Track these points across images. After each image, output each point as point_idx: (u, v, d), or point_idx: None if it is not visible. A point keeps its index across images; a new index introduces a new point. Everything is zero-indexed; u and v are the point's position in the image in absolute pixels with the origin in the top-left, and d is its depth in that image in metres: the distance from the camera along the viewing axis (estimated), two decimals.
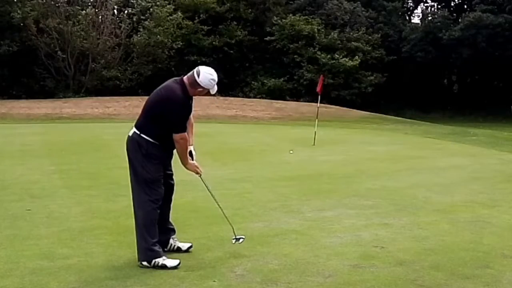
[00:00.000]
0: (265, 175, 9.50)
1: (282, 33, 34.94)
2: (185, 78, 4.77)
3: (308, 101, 29.94)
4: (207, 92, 4.83)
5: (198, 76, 4.67)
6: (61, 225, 5.96)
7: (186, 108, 4.77)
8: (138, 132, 4.73)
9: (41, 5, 30.22)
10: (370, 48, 35.55)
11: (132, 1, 33.46)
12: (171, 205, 5.07)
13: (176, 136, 4.68)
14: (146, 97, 5.00)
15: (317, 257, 4.92)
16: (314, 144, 14.03)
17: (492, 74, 40.41)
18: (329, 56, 34.14)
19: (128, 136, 4.82)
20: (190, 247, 5.07)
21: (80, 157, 11.38)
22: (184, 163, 4.84)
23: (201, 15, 34.05)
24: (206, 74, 4.70)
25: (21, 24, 30.00)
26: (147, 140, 4.69)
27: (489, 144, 15.51)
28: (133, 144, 4.76)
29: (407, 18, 44.89)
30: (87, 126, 19.10)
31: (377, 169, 10.26)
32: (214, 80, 4.74)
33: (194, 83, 4.70)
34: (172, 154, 4.93)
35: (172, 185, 5.02)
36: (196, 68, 4.78)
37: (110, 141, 14.13)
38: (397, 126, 22.84)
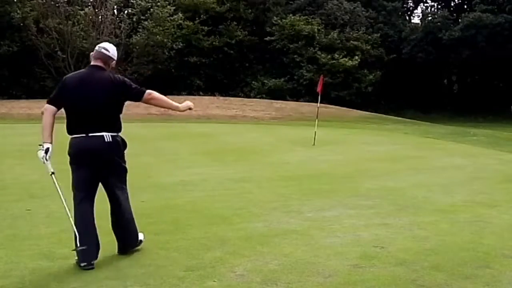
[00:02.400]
0: (265, 175, 9.49)
1: (282, 33, 34.96)
2: (96, 63, 4.85)
3: (308, 101, 29.95)
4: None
5: (108, 51, 4.85)
6: (61, 225, 5.94)
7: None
8: (115, 134, 4.81)
9: (41, 5, 30.23)
10: (369, 48, 35.56)
11: (132, 1, 33.46)
12: None
13: (146, 95, 4.86)
14: None
15: (317, 257, 4.91)
16: (314, 144, 14.03)
17: (492, 74, 40.44)
18: (329, 56, 34.15)
19: (106, 142, 4.73)
20: None
21: None
22: (175, 106, 5.04)
23: (201, 16, 34.04)
24: (111, 46, 4.94)
25: (21, 24, 30.01)
26: (121, 136, 4.87)
27: (489, 144, 15.50)
28: (113, 147, 4.79)
29: (407, 18, 44.95)
30: None
31: (377, 169, 10.26)
32: (115, 48, 5.02)
33: (108, 59, 4.86)
34: None
35: None
36: (97, 49, 4.86)
37: None
38: (397, 126, 22.84)
